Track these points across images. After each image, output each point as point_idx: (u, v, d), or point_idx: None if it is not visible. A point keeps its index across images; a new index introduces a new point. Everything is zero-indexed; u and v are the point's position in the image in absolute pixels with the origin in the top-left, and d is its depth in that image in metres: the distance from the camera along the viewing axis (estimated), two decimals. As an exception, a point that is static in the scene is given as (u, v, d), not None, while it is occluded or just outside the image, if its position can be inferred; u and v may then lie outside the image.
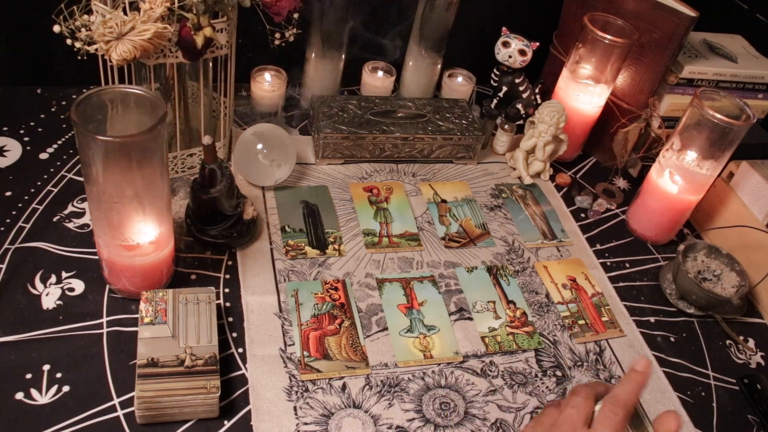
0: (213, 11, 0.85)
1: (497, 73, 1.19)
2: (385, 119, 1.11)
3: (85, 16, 0.78)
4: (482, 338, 0.89)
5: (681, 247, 1.01)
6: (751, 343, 1.00)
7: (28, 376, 0.74)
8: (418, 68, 1.23)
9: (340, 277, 0.93)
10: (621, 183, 1.23)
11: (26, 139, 1.02)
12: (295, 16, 0.92)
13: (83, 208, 0.94)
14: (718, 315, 1.00)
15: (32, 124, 1.05)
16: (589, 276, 1.02)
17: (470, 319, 0.92)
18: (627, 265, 1.07)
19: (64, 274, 0.85)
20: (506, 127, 1.19)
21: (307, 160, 1.11)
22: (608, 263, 1.06)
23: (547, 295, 0.98)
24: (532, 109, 1.18)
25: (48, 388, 0.73)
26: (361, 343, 0.85)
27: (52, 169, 0.98)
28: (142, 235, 0.77)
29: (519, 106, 1.20)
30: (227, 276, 0.90)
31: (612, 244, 1.10)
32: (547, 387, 0.85)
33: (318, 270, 0.93)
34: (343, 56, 1.18)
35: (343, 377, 0.81)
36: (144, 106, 0.72)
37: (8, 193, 0.93)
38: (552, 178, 1.19)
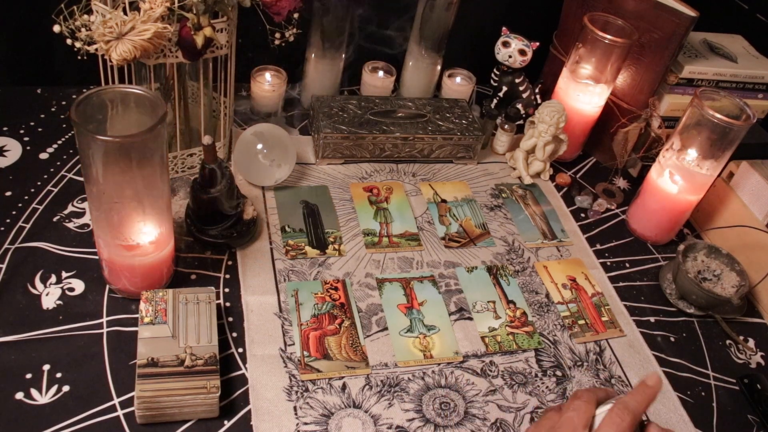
0: (213, 11, 0.85)
1: (497, 73, 1.19)
2: (385, 119, 1.11)
3: (85, 16, 0.78)
4: (482, 338, 0.89)
5: (681, 247, 1.01)
6: (751, 343, 1.00)
7: (28, 376, 0.74)
8: (418, 68, 1.23)
9: (340, 277, 0.93)
10: (621, 183, 1.24)
11: (26, 139, 1.02)
12: (295, 16, 0.92)
13: (83, 208, 0.94)
14: (718, 315, 1.00)
15: (32, 124, 1.05)
16: (589, 276, 1.02)
17: (470, 319, 0.92)
18: (627, 265, 1.07)
19: (64, 274, 0.85)
20: (506, 127, 1.19)
21: (307, 160, 1.11)
22: (608, 263, 1.06)
23: (547, 295, 0.98)
24: (532, 109, 1.18)
25: (48, 388, 0.73)
26: (361, 343, 0.85)
27: (52, 169, 0.98)
28: (142, 235, 0.77)
29: (519, 106, 1.20)
30: (227, 276, 0.90)
31: (612, 244, 1.10)
32: (547, 387, 0.85)
33: (318, 270, 0.93)
34: (343, 56, 1.18)
35: (343, 377, 0.81)
36: (144, 106, 0.72)
37: (8, 193, 0.93)
38: (552, 178, 1.19)
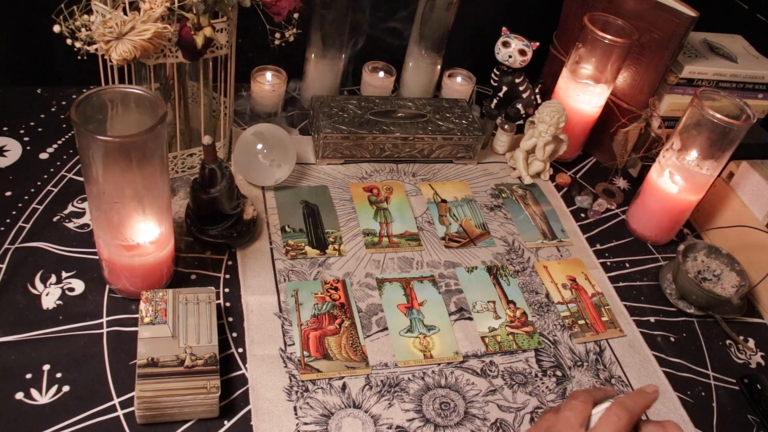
0: (213, 11, 0.85)
1: (497, 73, 1.19)
2: (385, 119, 1.11)
3: (85, 16, 0.78)
4: (482, 338, 0.89)
5: (681, 247, 1.01)
6: (751, 343, 1.00)
7: (28, 376, 0.74)
8: (418, 68, 1.23)
9: (340, 277, 0.93)
10: (621, 183, 1.24)
11: (26, 139, 1.02)
12: (295, 16, 0.92)
13: (83, 208, 0.94)
14: (718, 315, 1.00)
15: (32, 124, 1.05)
16: (589, 276, 1.02)
17: (470, 319, 0.92)
18: (627, 265, 1.07)
19: (64, 274, 0.85)
20: (506, 127, 1.19)
21: (307, 160, 1.11)
22: (608, 263, 1.06)
23: (547, 295, 0.98)
24: (532, 109, 1.18)
25: (48, 388, 0.73)
26: (361, 343, 0.85)
27: (52, 169, 0.98)
28: (142, 235, 0.77)
29: (519, 106, 1.20)
30: (227, 276, 0.90)
31: (612, 244, 1.10)
32: (547, 387, 0.85)
33: (318, 270, 0.93)
34: (343, 56, 1.18)
35: (343, 377, 0.81)
36: (144, 106, 0.72)
37: (8, 193, 0.93)
38: (552, 178, 1.19)
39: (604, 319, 0.96)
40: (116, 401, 0.73)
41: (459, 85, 1.26)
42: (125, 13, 0.77)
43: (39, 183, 0.96)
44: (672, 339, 0.96)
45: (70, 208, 0.93)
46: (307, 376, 0.80)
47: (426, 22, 1.17)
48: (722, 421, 0.87)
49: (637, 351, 0.93)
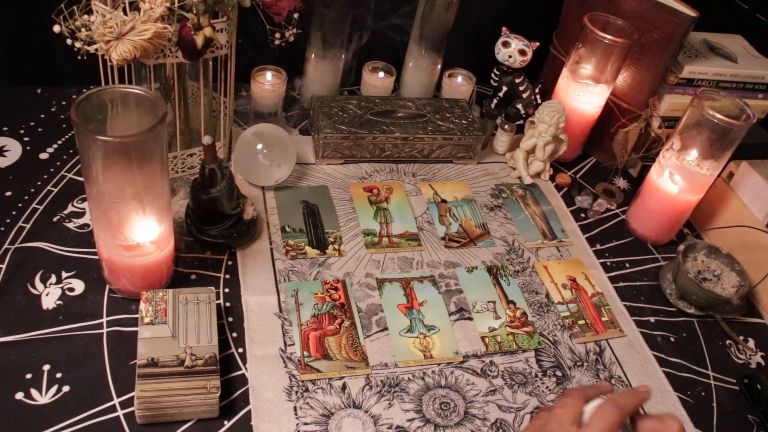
0: (213, 11, 0.85)
1: (497, 73, 1.19)
2: (385, 119, 1.11)
3: (85, 16, 0.78)
4: (482, 338, 0.89)
5: (681, 247, 1.01)
6: (751, 343, 1.00)
7: (28, 376, 0.74)
8: (418, 68, 1.23)
9: (340, 277, 0.93)
10: (621, 183, 1.24)
11: (26, 139, 1.02)
12: (295, 16, 0.92)
13: (83, 208, 0.94)
14: (718, 315, 1.00)
15: (32, 124, 1.05)
16: (589, 276, 1.02)
17: (470, 319, 0.92)
18: (627, 265, 1.07)
19: (64, 274, 0.85)
20: (506, 127, 1.19)
21: (307, 160, 1.11)
22: (608, 263, 1.06)
23: (547, 295, 0.98)
24: (532, 109, 1.18)
25: (48, 388, 0.73)
26: (361, 343, 0.85)
27: (52, 169, 0.98)
28: (142, 234, 0.77)
29: (519, 106, 1.20)
30: (227, 276, 0.90)
31: (612, 244, 1.10)
32: (547, 387, 0.85)
33: (318, 270, 0.93)
34: (343, 56, 1.18)
35: (343, 377, 0.81)
36: (144, 106, 0.72)
37: (8, 193, 0.93)
38: (552, 178, 1.19)
39: (604, 319, 0.96)
40: (116, 401, 0.73)
41: (459, 85, 1.26)
42: (125, 13, 0.77)
43: (39, 183, 0.96)
44: (672, 339, 0.96)
45: (70, 208, 0.93)
46: (307, 376, 0.80)
47: (426, 22, 1.17)
48: (722, 421, 0.87)
49: (637, 351, 0.93)
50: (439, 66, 1.24)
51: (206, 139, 0.83)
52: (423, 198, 1.09)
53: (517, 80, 1.19)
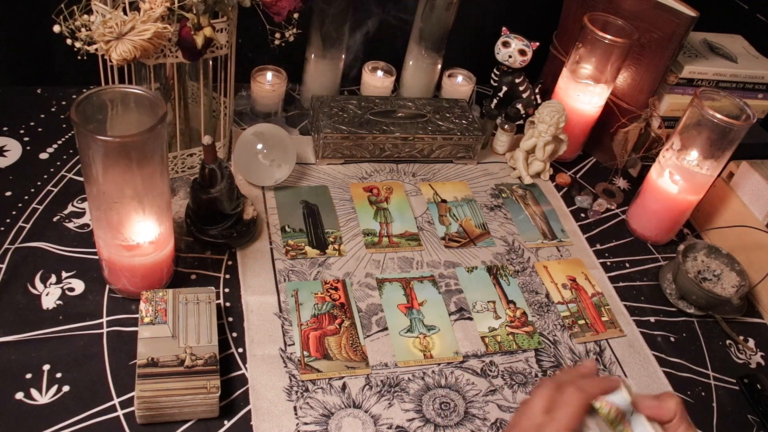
0: (213, 11, 0.85)
1: (497, 73, 1.19)
2: (385, 119, 1.11)
3: (85, 16, 0.78)
4: (482, 338, 0.89)
5: (681, 247, 1.01)
6: (751, 343, 1.00)
7: (28, 376, 0.74)
8: (418, 68, 1.23)
9: (340, 277, 0.93)
10: (621, 183, 1.24)
11: (26, 139, 1.02)
12: (295, 16, 0.92)
13: (83, 208, 0.94)
14: (718, 315, 1.00)
15: (32, 124, 1.05)
16: (589, 276, 1.02)
17: (470, 319, 0.92)
18: (627, 265, 1.07)
19: (64, 274, 0.85)
20: (506, 127, 1.19)
21: (307, 160, 1.11)
22: (608, 263, 1.06)
23: (547, 295, 0.98)
24: (532, 109, 1.18)
25: (48, 388, 0.73)
26: (361, 343, 0.85)
27: (52, 169, 0.98)
28: (142, 235, 0.77)
29: (519, 106, 1.20)
30: (227, 276, 0.90)
31: (612, 244, 1.10)
32: (547, 387, 0.85)
33: (318, 270, 0.93)
34: (343, 56, 1.18)
35: (343, 377, 0.81)
36: (144, 106, 0.72)
37: (8, 193, 0.93)
38: (552, 178, 1.19)
39: (604, 319, 0.96)
40: (116, 401, 0.73)
41: (459, 85, 1.26)
42: (125, 13, 0.77)
43: (39, 183, 0.96)
44: (672, 339, 0.96)
45: (70, 208, 0.93)
46: (307, 376, 0.80)
47: (426, 22, 1.17)
48: (722, 421, 0.87)
49: (637, 351, 0.93)
50: (439, 66, 1.24)
51: (206, 139, 0.83)
52: (423, 198, 1.09)
53: (517, 80, 1.19)
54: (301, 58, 1.17)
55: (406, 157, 1.13)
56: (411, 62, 1.23)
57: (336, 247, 0.97)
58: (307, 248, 0.96)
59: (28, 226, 0.89)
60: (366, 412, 0.78)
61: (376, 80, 1.21)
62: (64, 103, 1.10)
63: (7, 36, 1.09)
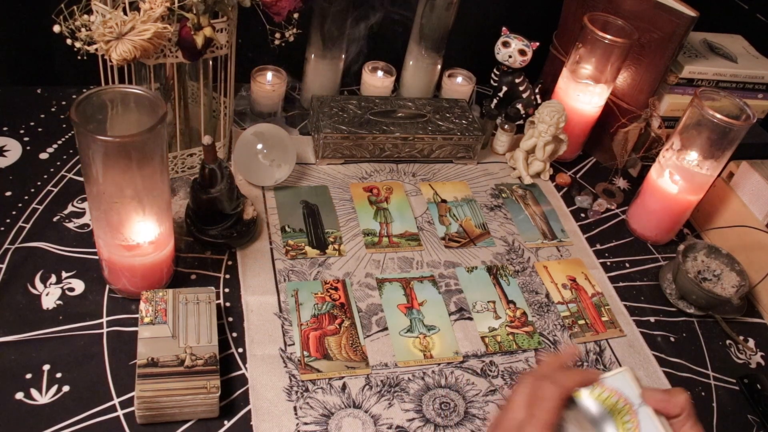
0: (213, 11, 0.85)
1: (497, 73, 1.19)
2: (385, 119, 1.11)
3: (85, 16, 0.78)
4: (482, 338, 0.89)
5: (681, 247, 1.01)
6: (751, 343, 1.00)
7: (28, 376, 0.74)
8: (418, 68, 1.23)
9: (340, 277, 0.93)
10: (621, 183, 1.24)
11: (26, 139, 1.02)
12: (295, 16, 0.92)
13: (83, 208, 0.94)
14: (718, 315, 1.00)
15: (32, 124, 1.05)
16: (589, 276, 1.02)
17: (470, 319, 0.92)
18: (627, 265, 1.07)
19: (64, 274, 0.85)
20: (506, 127, 1.19)
21: (307, 160, 1.11)
22: (608, 263, 1.06)
23: (547, 295, 0.98)
24: (532, 109, 1.18)
25: (48, 388, 0.73)
26: (361, 343, 0.85)
27: (52, 169, 0.98)
28: (142, 235, 0.77)
29: (519, 106, 1.20)
30: (227, 276, 0.90)
31: (612, 244, 1.10)
32: (547, 387, 0.85)
33: (318, 270, 0.93)
34: (343, 56, 1.18)
35: (343, 377, 0.81)
36: (144, 106, 0.72)
37: (8, 193, 0.93)
38: (552, 178, 1.19)
39: (604, 319, 0.96)
40: (116, 401, 0.73)
41: (459, 85, 1.26)
42: (125, 13, 0.77)
43: (39, 183, 0.96)
44: (672, 339, 0.96)
45: (70, 208, 0.93)
46: (307, 376, 0.80)
47: (426, 21, 1.17)
48: (722, 421, 0.87)
49: (637, 351, 0.93)
50: (439, 66, 1.24)
51: (206, 139, 0.83)
52: (423, 198, 1.09)
53: (517, 80, 1.19)
54: (301, 58, 1.17)
55: (406, 157, 1.13)
56: (411, 62, 1.23)
57: (336, 247, 0.97)
58: (307, 248, 0.96)
59: (28, 226, 0.89)
60: (366, 412, 0.78)
61: (376, 80, 1.21)
62: (64, 103, 1.10)
63: (7, 36, 1.09)
